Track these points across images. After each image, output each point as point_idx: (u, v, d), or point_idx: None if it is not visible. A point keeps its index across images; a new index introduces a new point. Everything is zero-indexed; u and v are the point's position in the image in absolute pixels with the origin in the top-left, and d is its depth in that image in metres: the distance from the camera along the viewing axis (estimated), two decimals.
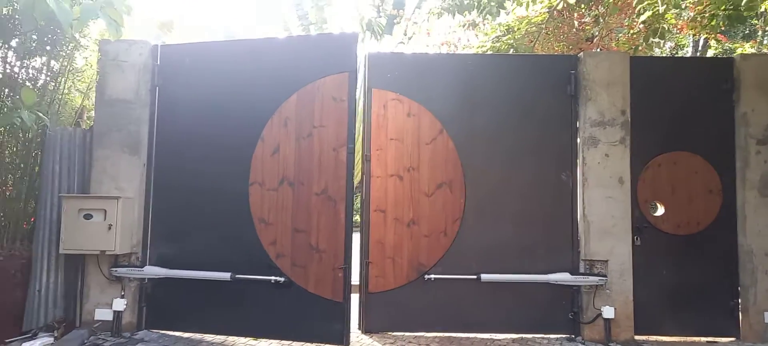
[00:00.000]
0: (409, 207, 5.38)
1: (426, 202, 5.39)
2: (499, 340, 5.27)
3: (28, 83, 5.11)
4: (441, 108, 5.46)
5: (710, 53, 13.11)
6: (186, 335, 5.24)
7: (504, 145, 5.46)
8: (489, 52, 9.15)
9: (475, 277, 5.29)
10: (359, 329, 5.34)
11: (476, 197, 5.40)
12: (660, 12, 4.79)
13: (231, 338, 5.21)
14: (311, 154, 5.15)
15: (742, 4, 4.62)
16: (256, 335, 5.18)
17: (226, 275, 5.10)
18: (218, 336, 5.24)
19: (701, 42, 13.04)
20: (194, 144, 5.37)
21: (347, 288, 4.96)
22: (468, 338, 5.32)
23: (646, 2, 5.09)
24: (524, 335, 5.36)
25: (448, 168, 5.42)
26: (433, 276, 5.30)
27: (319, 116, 5.16)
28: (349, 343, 4.95)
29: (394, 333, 5.37)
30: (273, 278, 5.07)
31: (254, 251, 5.16)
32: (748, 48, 11.20)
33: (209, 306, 5.22)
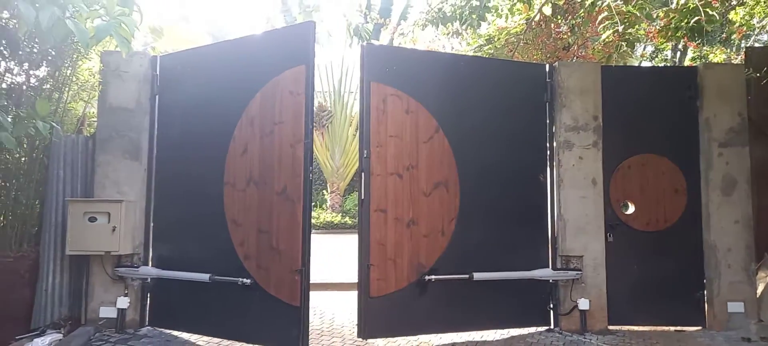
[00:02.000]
0: (409, 206, 5.25)
1: (424, 201, 5.30)
2: (489, 340, 5.41)
3: (32, 93, 5.35)
4: (436, 107, 5.42)
5: (689, 56, 13.78)
6: (185, 335, 5.35)
7: (491, 146, 5.58)
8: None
9: (467, 276, 5.32)
10: (359, 336, 5.06)
11: (469, 196, 5.45)
12: (620, 31, 5.19)
13: (225, 342, 5.18)
14: (272, 151, 4.97)
15: (694, 21, 5.05)
16: (230, 337, 5.15)
17: (205, 277, 5.14)
18: (214, 338, 5.27)
19: (681, 46, 13.69)
20: (185, 148, 5.52)
21: (304, 292, 4.71)
22: (463, 340, 5.37)
23: (607, 22, 5.50)
24: (510, 330, 5.62)
25: (443, 167, 5.38)
26: (432, 277, 5.23)
27: (279, 112, 4.98)
28: None
29: (393, 338, 5.31)
30: (241, 279, 4.97)
31: (228, 253, 5.12)
32: (719, 54, 11.72)
33: (198, 306, 5.28)
